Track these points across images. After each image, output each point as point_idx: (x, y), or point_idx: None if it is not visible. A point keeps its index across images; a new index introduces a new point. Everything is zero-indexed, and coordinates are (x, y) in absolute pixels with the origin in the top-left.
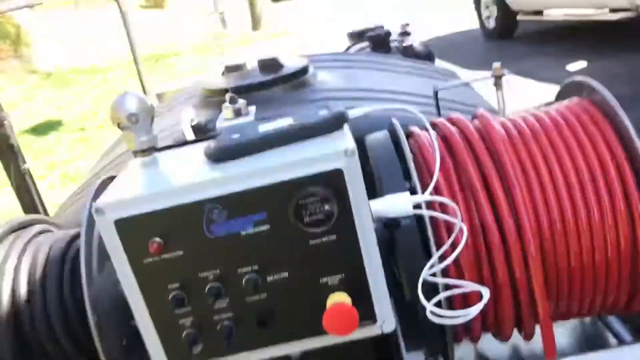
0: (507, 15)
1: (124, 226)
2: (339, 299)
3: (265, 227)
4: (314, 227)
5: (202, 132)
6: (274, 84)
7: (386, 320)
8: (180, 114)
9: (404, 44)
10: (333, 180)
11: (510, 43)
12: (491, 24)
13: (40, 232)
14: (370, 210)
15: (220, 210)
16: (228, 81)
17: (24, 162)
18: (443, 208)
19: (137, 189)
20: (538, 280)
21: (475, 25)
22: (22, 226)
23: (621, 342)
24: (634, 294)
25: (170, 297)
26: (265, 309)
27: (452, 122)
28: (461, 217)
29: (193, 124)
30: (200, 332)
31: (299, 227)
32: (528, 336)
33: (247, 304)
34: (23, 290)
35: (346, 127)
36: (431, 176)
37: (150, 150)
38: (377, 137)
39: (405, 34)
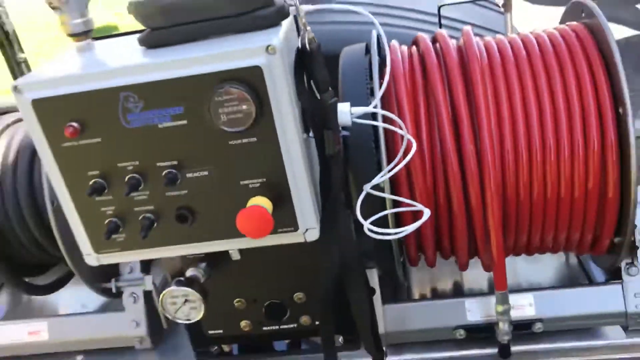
0: None
1: (41, 107)
2: (258, 202)
3: (182, 122)
4: (231, 127)
5: None
6: None
7: (309, 229)
8: None
9: None
10: (251, 78)
11: None
12: None
13: (18, 120)
14: (296, 114)
15: (136, 100)
16: None
17: (21, 51)
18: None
19: (59, 71)
20: (494, 210)
21: None
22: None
23: (591, 282)
24: (599, 235)
25: (90, 184)
26: (185, 206)
27: (435, 39)
28: (413, 134)
29: None
30: (122, 221)
31: (216, 126)
32: (486, 267)
33: (167, 198)
34: None
35: (286, 22)
36: (398, 92)
37: (85, 34)
38: (351, 48)
39: None
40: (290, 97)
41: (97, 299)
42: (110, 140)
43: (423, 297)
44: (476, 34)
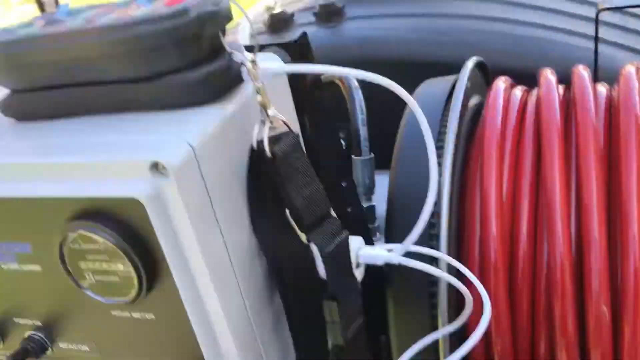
0: None
1: None
2: None
3: (34, 267)
4: (104, 295)
5: (281, 25)
6: None
7: None
8: None
9: None
10: (125, 217)
11: None
12: None
13: None
14: (228, 269)
15: None
16: None
17: None
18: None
19: None
20: None
21: None
22: None
23: None
24: None
25: None
26: None
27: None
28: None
29: (275, 12)
30: None
31: (78, 287)
32: None
33: None
34: None
35: (238, 99)
36: (484, 174)
37: None
38: (430, 86)
39: None
40: (215, 248)
41: None
42: None
43: None
44: None
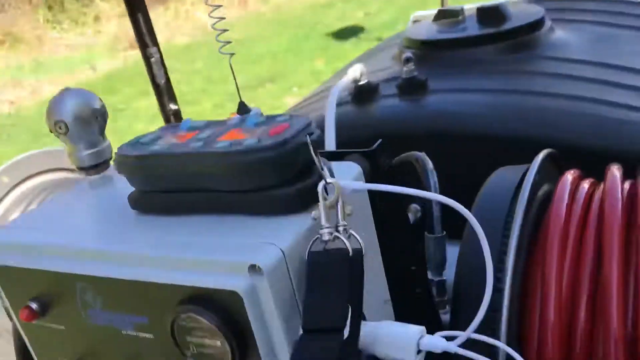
0: None
1: (3, 275)
2: None
3: (148, 335)
4: None
5: (366, 96)
6: (488, 40)
7: None
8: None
9: None
10: (225, 305)
11: None
12: None
13: None
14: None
15: (94, 295)
16: (432, 31)
17: (173, 103)
18: None
19: (32, 231)
20: None
21: None
22: None
23: None
24: None
25: None
26: None
27: None
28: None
29: (361, 83)
30: None
31: (183, 355)
32: None
33: None
34: None
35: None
36: (546, 274)
37: (96, 167)
38: (496, 183)
39: None
40: (295, 329)
41: None
42: (73, 332)
43: None
44: None
